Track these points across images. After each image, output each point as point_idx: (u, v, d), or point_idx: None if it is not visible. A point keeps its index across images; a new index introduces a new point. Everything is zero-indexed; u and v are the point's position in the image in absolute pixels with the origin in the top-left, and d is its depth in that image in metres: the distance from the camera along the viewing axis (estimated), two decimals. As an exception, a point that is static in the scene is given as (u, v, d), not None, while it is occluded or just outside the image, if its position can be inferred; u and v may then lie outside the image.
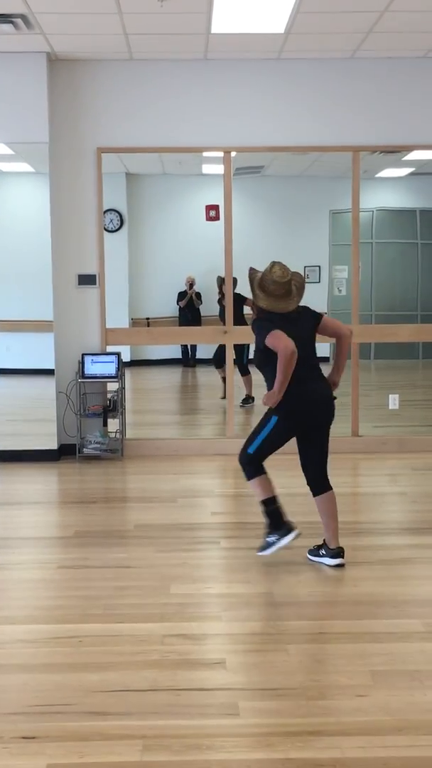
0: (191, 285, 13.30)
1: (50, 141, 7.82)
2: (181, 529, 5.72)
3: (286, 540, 5.01)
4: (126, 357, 9.08)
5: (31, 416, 8.22)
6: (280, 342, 4.76)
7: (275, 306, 4.93)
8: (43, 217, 7.89)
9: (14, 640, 4.05)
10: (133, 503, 6.75)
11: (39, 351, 8.06)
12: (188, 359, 13.72)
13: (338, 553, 5.00)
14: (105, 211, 8.46)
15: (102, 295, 8.15)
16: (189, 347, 13.60)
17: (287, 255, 13.19)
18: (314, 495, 5.11)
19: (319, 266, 13.01)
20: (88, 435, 8.07)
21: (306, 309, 5.08)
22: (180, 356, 13.64)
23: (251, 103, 8.04)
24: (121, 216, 11.88)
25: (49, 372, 8.03)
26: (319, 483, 5.09)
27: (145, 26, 6.94)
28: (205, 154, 8.56)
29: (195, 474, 7.43)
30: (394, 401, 8.66)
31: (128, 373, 8.70)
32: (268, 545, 5.05)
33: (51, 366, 8.00)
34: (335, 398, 5.10)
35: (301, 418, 4.98)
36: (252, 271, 5.03)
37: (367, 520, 6.20)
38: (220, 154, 8.17)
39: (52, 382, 8.03)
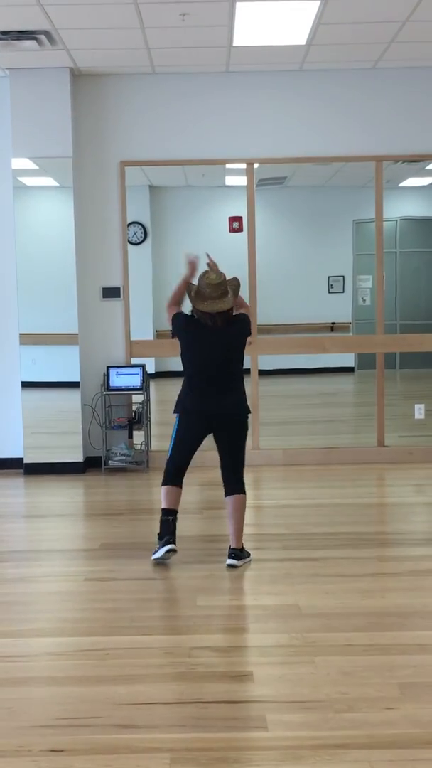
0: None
1: (74, 155, 7.88)
2: (206, 540, 5.71)
3: (158, 552, 5.21)
4: (151, 369, 9.10)
5: (56, 429, 8.25)
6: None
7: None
8: (67, 231, 7.93)
9: (41, 653, 4.06)
10: (158, 515, 6.73)
11: (64, 364, 8.09)
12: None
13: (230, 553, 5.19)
14: (129, 224, 8.48)
15: (126, 307, 8.18)
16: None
17: (311, 265, 13.17)
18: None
19: (343, 276, 12.97)
20: (114, 447, 8.09)
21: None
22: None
23: (273, 114, 8.06)
24: (144, 228, 11.90)
25: (74, 385, 8.06)
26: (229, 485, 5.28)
27: (168, 40, 6.97)
28: (228, 165, 8.58)
29: (220, 485, 7.38)
30: (419, 411, 8.61)
31: (153, 385, 8.71)
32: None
33: (76, 379, 8.04)
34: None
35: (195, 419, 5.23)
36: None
37: (394, 530, 6.16)
38: (243, 165, 8.19)
39: (78, 395, 8.06)
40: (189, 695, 3.57)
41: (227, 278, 5.18)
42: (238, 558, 5.13)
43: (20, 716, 3.44)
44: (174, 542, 5.19)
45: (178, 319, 5.29)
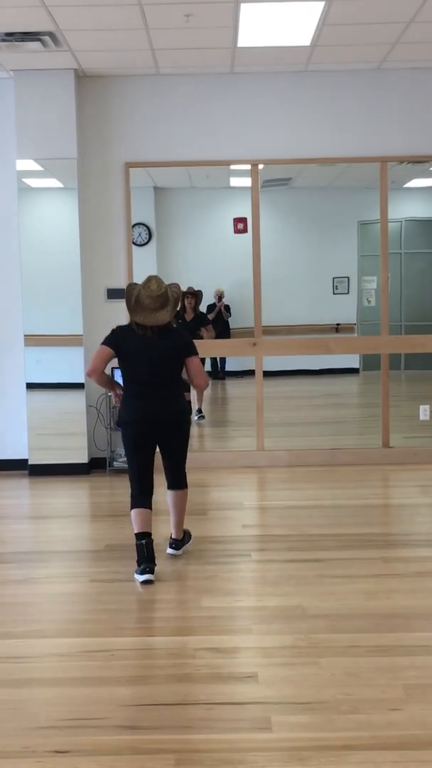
0: (220, 298, 13.31)
1: (79, 157, 7.89)
2: (211, 542, 5.71)
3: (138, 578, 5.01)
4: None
5: (61, 430, 8.25)
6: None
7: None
8: (72, 232, 7.95)
9: (46, 654, 4.06)
10: (163, 516, 6.71)
11: (69, 365, 8.10)
12: (218, 371, 13.71)
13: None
14: (133, 225, 8.49)
15: (131, 308, 8.17)
16: (218, 359, 13.59)
17: (316, 266, 13.15)
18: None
19: (348, 277, 12.96)
20: (119, 448, 8.08)
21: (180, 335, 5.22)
22: (209, 369, 13.62)
23: (278, 115, 8.06)
24: (149, 230, 11.90)
25: (79, 386, 8.06)
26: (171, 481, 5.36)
27: (172, 41, 6.98)
28: (232, 167, 8.58)
29: (225, 486, 7.41)
30: (425, 412, 8.60)
31: (158, 386, 8.70)
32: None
33: (81, 380, 8.03)
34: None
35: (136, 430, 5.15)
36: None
37: (399, 531, 6.15)
38: (248, 166, 8.19)
39: (83, 396, 8.07)
40: (193, 696, 3.57)
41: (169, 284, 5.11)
42: (177, 548, 5.39)
43: (25, 717, 3.44)
44: (152, 571, 4.95)
45: (114, 333, 5.18)
